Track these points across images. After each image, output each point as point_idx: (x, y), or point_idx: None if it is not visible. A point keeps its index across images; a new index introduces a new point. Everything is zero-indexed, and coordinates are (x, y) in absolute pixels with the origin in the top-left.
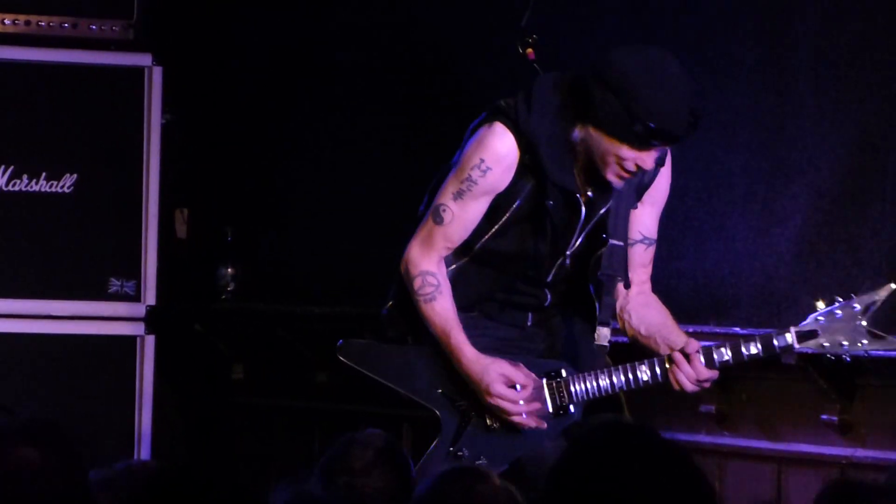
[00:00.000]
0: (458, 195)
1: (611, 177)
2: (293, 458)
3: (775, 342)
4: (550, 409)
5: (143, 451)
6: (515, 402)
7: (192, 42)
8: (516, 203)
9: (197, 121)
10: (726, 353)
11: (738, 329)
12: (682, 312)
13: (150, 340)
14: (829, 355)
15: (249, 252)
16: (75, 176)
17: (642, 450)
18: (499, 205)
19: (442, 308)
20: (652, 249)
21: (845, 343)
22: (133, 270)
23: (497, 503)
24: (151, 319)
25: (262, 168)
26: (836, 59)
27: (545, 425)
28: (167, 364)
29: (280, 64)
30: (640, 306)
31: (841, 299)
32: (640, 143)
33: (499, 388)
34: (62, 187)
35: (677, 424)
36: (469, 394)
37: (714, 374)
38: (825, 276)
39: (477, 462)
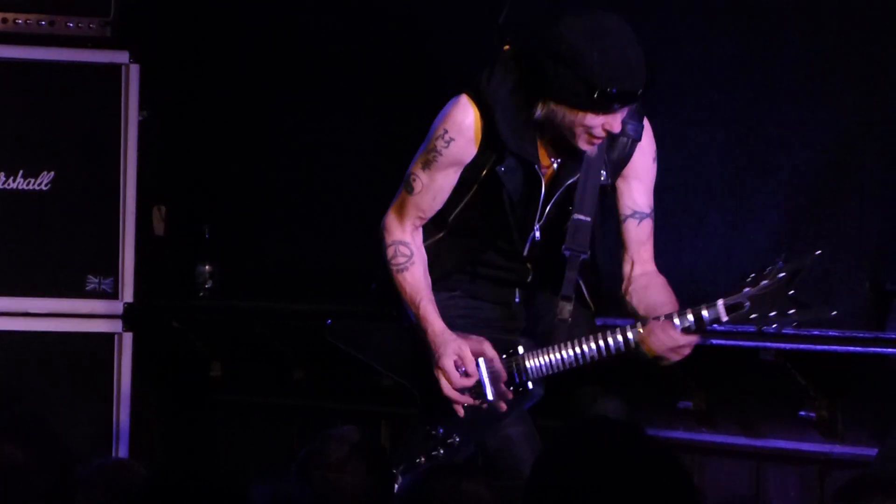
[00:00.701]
0: (426, 165)
1: (583, 145)
2: (272, 455)
3: (704, 314)
4: (510, 387)
5: (121, 449)
6: (452, 383)
7: (168, 39)
8: (482, 174)
9: (174, 118)
10: (687, 320)
11: (716, 326)
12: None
13: (128, 338)
14: (759, 328)
15: (227, 249)
16: (53, 173)
17: (625, 448)
18: (466, 177)
19: (413, 278)
20: (647, 224)
21: (773, 314)
22: (111, 268)
23: (482, 502)
24: (129, 317)
25: (239, 165)
26: (813, 57)
27: (503, 407)
28: (145, 361)
29: (257, 61)
30: (642, 287)
31: (768, 269)
32: (604, 109)
33: (446, 362)
34: (40, 185)
35: (656, 421)
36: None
37: (690, 338)
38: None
39: (449, 440)
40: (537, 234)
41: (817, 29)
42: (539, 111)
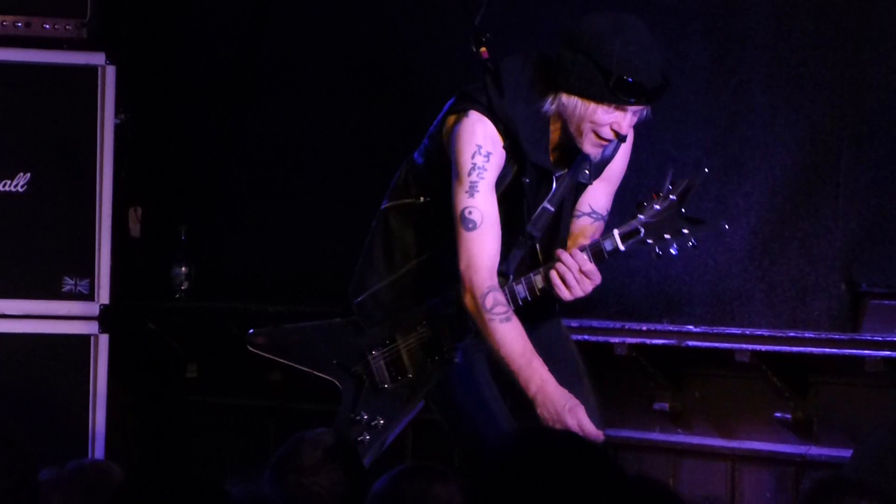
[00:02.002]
0: (474, 190)
1: (588, 147)
2: (248, 456)
3: (604, 246)
4: (437, 358)
5: (98, 451)
6: (585, 426)
7: (145, 41)
8: (503, 187)
9: (150, 119)
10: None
11: (691, 327)
12: (635, 310)
13: (104, 339)
14: (657, 251)
15: (203, 251)
16: (29, 175)
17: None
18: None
19: (517, 331)
20: (600, 226)
21: (668, 235)
22: (87, 269)
23: (453, 503)
24: (105, 318)
25: (215, 167)
26: (789, 57)
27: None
28: (121, 363)
29: (233, 63)
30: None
31: (660, 193)
32: (616, 100)
33: (571, 422)
34: (15, 186)
35: (631, 422)
36: (361, 360)
37: (594, 267)
38: (778, 273)
39: (373, 423)
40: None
41: (792, 30)
42: (549, 106)
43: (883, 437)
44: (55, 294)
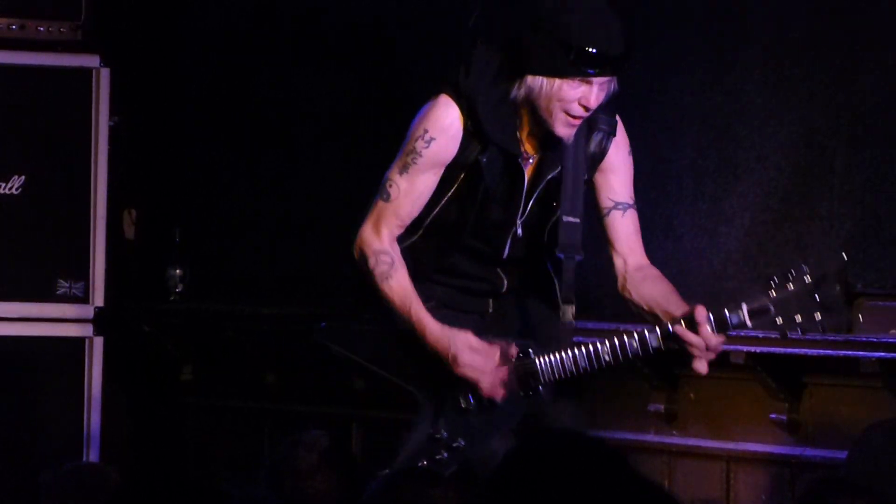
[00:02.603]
0: (404, 168)
1: (560, 128)
2: (243, 458)
3: (730, 320)
4: (520, 391)
5: (93, 453)
6: (484, 371)
7: (139, 44)
8: (463, 171)
9: (145, 122)
10: (710, 326)
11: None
12: (629, 311)
13: (99, 342)
14: (786, 334)
15: (198, 253)
16: (23, 177)
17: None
18: (447, 177)
19: (399, 284)
20: (632, 214)
21: (799, 318)
22: (81, 272)
23: None
24: (100, 321)
25: (210, 169)
26: (783, 58)
27: (519, 394)
28: (116, 365)
29: (227, 65)
30: (639, 281)
31: (794, 272)
32: (580, 73)
33: (466, 356)
34: (10, 189)
35: (626, 424)
36: (443, 373)
37: (722, 338)
38: (773, 275)
39: (454, 444)
40: (519, 230)
41: (786, 31)
42: (517, 90)
43: (878, 438)
44: (50, 296)
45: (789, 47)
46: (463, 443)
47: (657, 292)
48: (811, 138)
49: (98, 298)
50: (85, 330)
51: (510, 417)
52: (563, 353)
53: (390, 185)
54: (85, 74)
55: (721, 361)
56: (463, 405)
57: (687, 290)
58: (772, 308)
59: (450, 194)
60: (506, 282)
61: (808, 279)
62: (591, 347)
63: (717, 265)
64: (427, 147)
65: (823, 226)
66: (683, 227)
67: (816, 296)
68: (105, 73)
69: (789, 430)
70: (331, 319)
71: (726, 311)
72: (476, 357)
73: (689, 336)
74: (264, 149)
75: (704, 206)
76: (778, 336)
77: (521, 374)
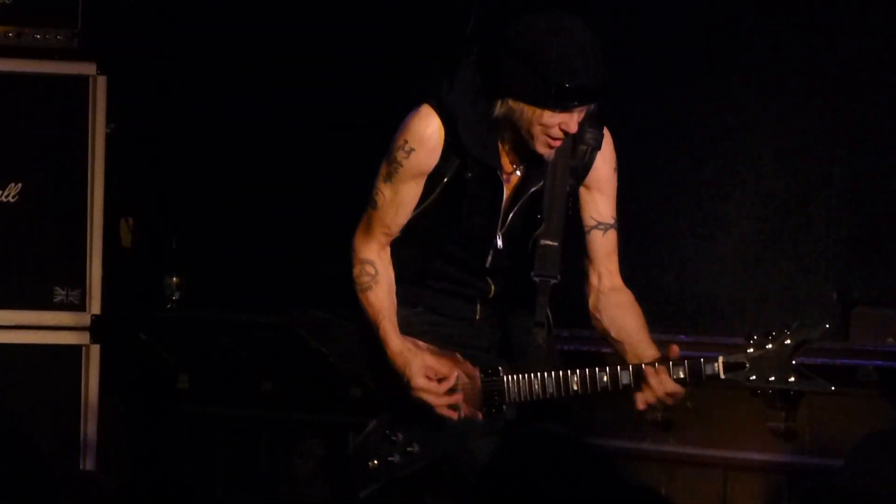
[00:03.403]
0: (388, 178)
1: (541, 148)
2: (239, 466)
3: (704, 369)
4: (484, 406)
5: (89, 461)
6: (437, 395)
7: (136, 51)
8: (443, 182)
9: (141, 129)
10: (683, 372)
11: (682, 336)
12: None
13: (96, 350)
14: (756, 391)
15: (194, 261)
16: (20, 185)
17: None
18: (428, 185)
19: (375, 298)
20: (612, 235)
21: (772, 378)
22: (78, 279)
23: None
24: (96, 329)
25: (206, 177)
26: (781, 68)
27: (478, 416)
28: (112, 373)
29: (224, 73)
30: (614, 306)
31: (774, 333)
32: (560, 106)
33: (420, 381)
34: (7, 196)
35: (624, 432)
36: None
37: (679, 387)
38: (770, 283)
39: (408, 448)
40: (499, 241)
41: (784, 40)
42: (497, 110)
43: (874, 446)
44: (46, 304)
45: (787, 55)
46: (417, 448)
47: (629, 325)
48: (809, 146)
49: (95, 306)
50: (81, 338)
51: (469, 431)
52: (531, 376)
53: (377, 193)
54: (82, 82)
55: None
56: (423, 412)
57: (683, 298)
58: (747, 364)
59: (427, 202)
60: (493, 288)
61: (788, 342)
62: (560, 374)
63: (714, 273)
64: (407, 158)
65: (820, 234)
66: (681, 235)
67: (794, 361)
68: (102, 81)
69: (786, 439)
70: (306, 310)
71: (702, 361)
72: (430, 383)
73: (656, 381)
74: (261, 157)
75: (702, 213)
76: None
77: (487, 392)
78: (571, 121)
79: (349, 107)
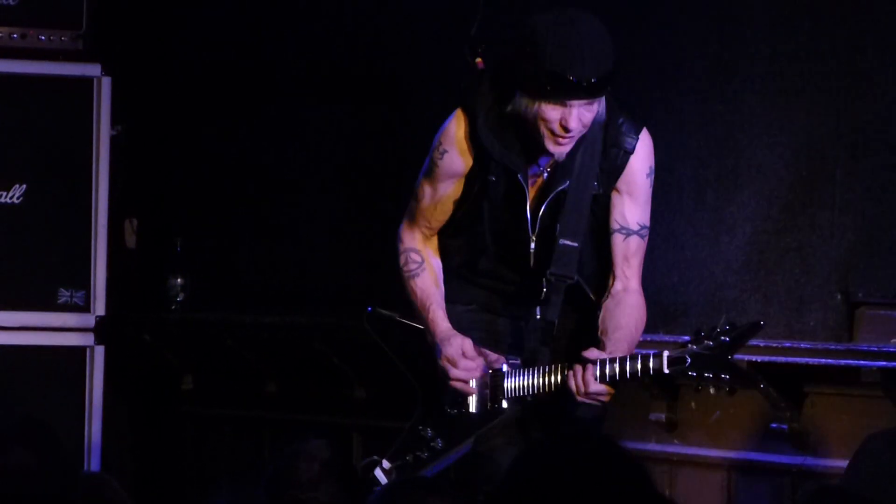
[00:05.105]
0: (427, 175)
1: (549, 145)
2: (243, 468)
3: (651, 363)
4: (489, 401)
5: (93, 462)
6: (457, 367)
7: (141, 52)
8: (474, 185)
9: (146, 131)
10: (616, 368)
11: (686, 338)
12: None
13: (100, 351)
14: (696, 386)
15: (199, 262)
16: (25, 186)
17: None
18: (467, 186)
19: (424, 284)
20: (634, 241)
21: (709, 374)
22: (82, 281)
23: None
24: (101, 330)
25: (211, 178)
26: (784, 69)
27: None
28: (117, 374)
29: (229, 74)
30: (613, 306)
31: (717, 329)
32: (556, 98)
33: (451, 351)
34: (11, 198)
35: (627, 432)
36: (436, 374)
37: (601, 388)
38: (774, 284)
39: (432, 443)
40: (533, 243)
41: (788, 41)
42: (511, 106)
43: (879, 447)
44: (51, 306)
45: (790, 57)
46: (441, 444)
47: (616, 324)
48: (812, 148)
49: (99, 307)
50: (86, 339)
51: (478, 424)
52: (527, 378)
53: (419, 189)
54: (86, 83)
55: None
56: (447, 408)
57: (687, 299)
58: (688, 359)
59: (462, 202)
60: (544, 290)
61: (724, 339)
62: (542, 379)
63: (717, 274)
64: (441, 158)
65: (824, 235)
66: (685, 236)
67: (729, 356)
68: (106, 82)
69: (790, 440)
70: (375, 307)
71: (651, 356)
72: (457, 356)
73: (569, 380)
74: (266, 158)
75: (705, 215)
76: (779, 345)
77: (492, 387)
78: (570, 116)
79: (354, 110)
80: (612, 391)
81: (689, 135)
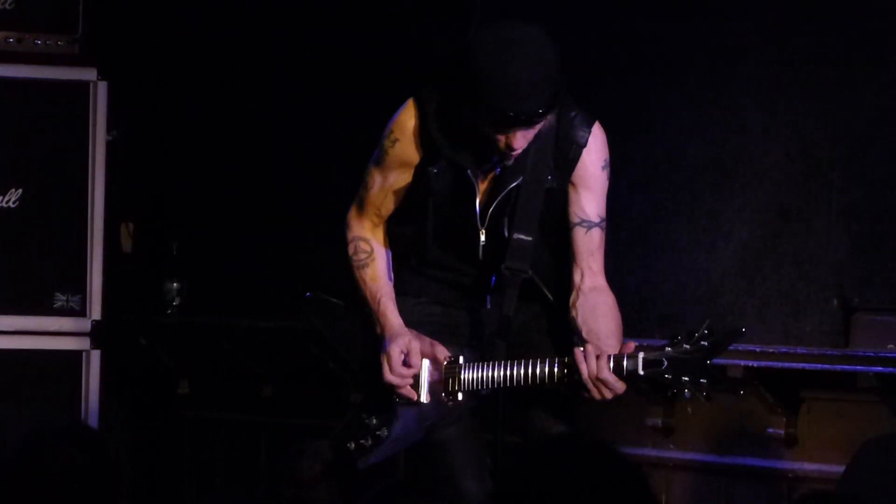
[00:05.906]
0: (377, 163)
1: (498, 156)
2: (239, 472)
3: (625, 364)
4: (443, 393)
5: None
6: (393, 369)
7: (137, 56)
8: (421, 177)
9: (142, 135)
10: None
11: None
12: (627, 326)
13: (96, 355)
14: (672, 389)
15: (195, 266)
16: (20, 190)
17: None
18: (415, 176)
19: (373, 274)
20: (596, 233)
21: (686, 378)
22: (78, 285)
23: None
24: (97, 334)
25: (207, 182)
26: (781, 74)
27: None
28: (113, 378)
29: (225, 78)
30: (589, 308)
31: (696, 334)
32: (496, 130)
33: (393, 349)
34: (7, 202)
35: (624, 438)
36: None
37: (614, 377)
38: (771, 290)
39: (377, 433)
40: (482, 236)
41: (784, 46)
42: (463, 113)
43: (875, 452)
44: (47, 310)
45: (787, 62)
46: (386, 433)
47: (599, 329)
48: (809, 154)
49: (95, 311)
50: (82, 343)
51: (430, 415)
52: (485, 370)
53: (369, 176)
54: (82, 87)
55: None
56: (396, 398)
57: (684, 304)
58: (665, 362)
59: (409, 192)
60: (494, 279)
61: (704, 344)
62: (507, 372)
63: (714, 280)
64: (392, 147)
65: (820, 241)
66: (681, 241)
67: (708, 362)
68: (102, 87)
69: (787, 445)
70: (316, 292)
71: (625, 356)
72: (396, 359)
73: (581, 364)
74: (262, 162)
75: (702, 220)
76: (775, 350)
77: (446, 380)
78: (514, 140)
79: (350, 114)
80: (625, 386)
81: (685, 140)
